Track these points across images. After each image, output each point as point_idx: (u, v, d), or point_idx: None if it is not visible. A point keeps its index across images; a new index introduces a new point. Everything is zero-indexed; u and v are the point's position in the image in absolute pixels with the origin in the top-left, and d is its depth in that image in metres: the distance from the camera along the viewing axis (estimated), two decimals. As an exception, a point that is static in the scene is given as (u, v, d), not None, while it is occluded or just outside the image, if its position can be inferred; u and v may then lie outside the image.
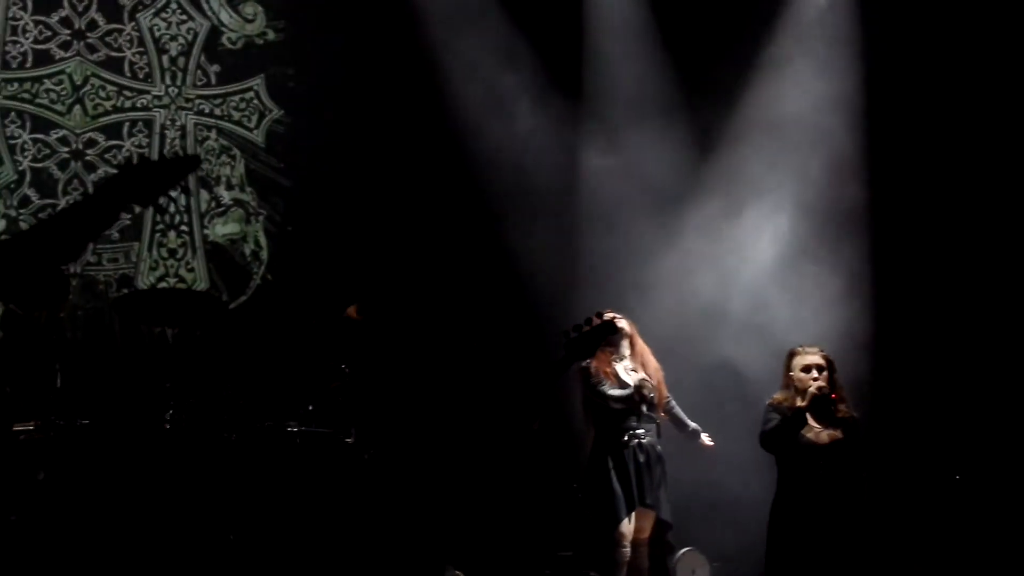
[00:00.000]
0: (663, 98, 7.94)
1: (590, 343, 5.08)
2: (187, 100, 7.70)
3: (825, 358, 5.65)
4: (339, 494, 5.71)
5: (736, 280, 7.68)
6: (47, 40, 7.40)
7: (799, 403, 5.52)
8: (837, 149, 7.57)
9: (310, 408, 6.05)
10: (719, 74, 7.83)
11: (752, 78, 7.80)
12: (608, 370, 6.10)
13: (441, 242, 7.73)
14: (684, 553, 6.80)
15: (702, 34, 7.89)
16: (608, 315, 5.81)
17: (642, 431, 6.02)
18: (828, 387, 5.53)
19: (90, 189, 7.34)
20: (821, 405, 5.53)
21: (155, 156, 7.45)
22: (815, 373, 5.56)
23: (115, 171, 3.07)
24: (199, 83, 7.74)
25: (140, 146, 7.53)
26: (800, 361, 5.64)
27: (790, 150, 7.64)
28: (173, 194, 3.07)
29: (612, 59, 8.04)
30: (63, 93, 7.40)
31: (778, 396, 5.68)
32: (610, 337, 5.59)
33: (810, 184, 7.58)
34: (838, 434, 5.53)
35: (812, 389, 5.50)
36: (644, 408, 6.07)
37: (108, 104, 7.51)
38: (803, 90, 7.64)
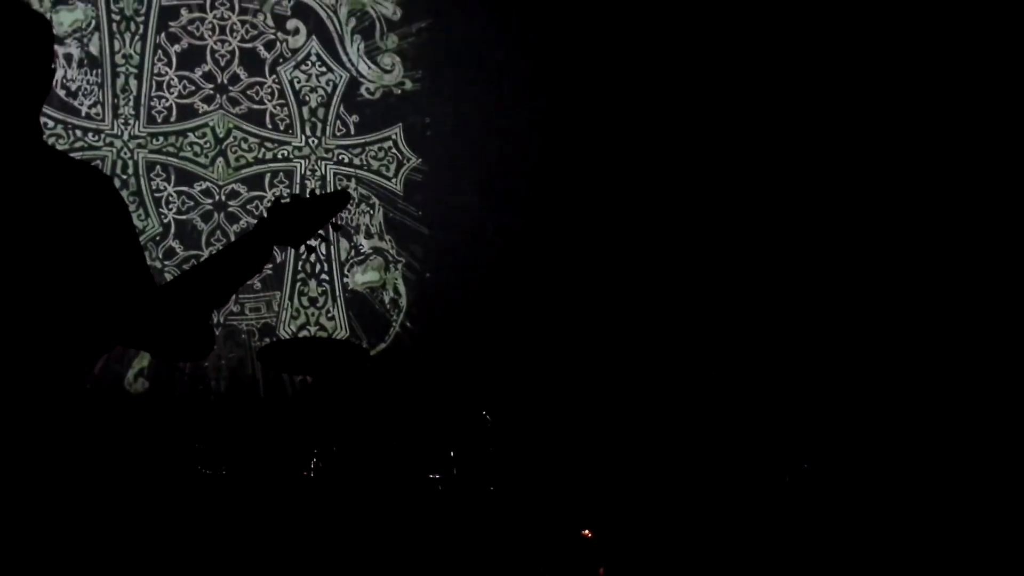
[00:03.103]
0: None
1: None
2: (327, 150, 7.75)
3: None
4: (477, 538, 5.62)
5: None
6: (191, 95, 7.53)
7: None
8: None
9: (451, 455, 5.99)
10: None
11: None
12: None
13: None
14: None
15: None
16: None
17: None
18: None
19: (233, 240, 7.43)
20: None
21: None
22: None
23: (264, 215, 2.98)
24: (338, 133, 7.80)
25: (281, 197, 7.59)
26: None
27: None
28: (323, 233, 3.00)
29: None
30: (206, 146, 7.51)
31: None
32: None
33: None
34: None
35: None
36: None
37: (250, 156, 7.60)
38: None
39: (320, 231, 2.98)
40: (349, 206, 2.66)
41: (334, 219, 2.99)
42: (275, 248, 2.95)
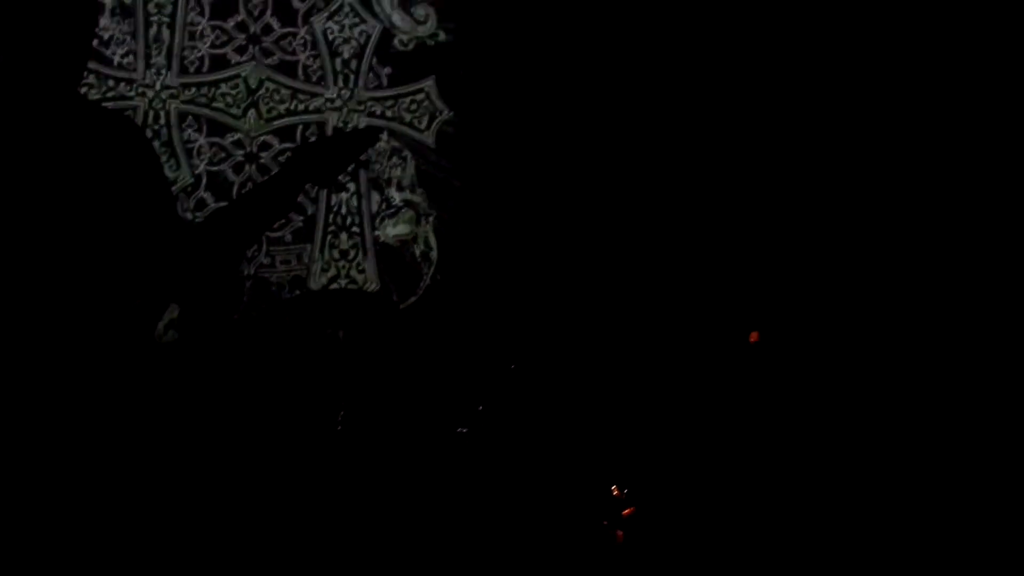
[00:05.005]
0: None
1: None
2: (359, 103, 7.70)
3: None
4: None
5: None
6: (223, 45, 7.49)
7: None
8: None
9: (480, 409, 5.98)
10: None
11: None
12: None
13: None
14: None
15: None
16: None
17: None
18: None
19: (263, 179, 7.43)
20: None
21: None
22: None
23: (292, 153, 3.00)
24: (371, 85, 7.74)
25: (313, 148, 7.56)
26: None
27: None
28: (352, 172, 3.00)
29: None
30: (238, 97, 7.48)
31: None
32: None
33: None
34: None
35: None
36: None
37: (282, 107, 7.56)
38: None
39: (348, 169, 2.98)
40: (379, 141, 2.66)
41: (361, 157, 2.99)
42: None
